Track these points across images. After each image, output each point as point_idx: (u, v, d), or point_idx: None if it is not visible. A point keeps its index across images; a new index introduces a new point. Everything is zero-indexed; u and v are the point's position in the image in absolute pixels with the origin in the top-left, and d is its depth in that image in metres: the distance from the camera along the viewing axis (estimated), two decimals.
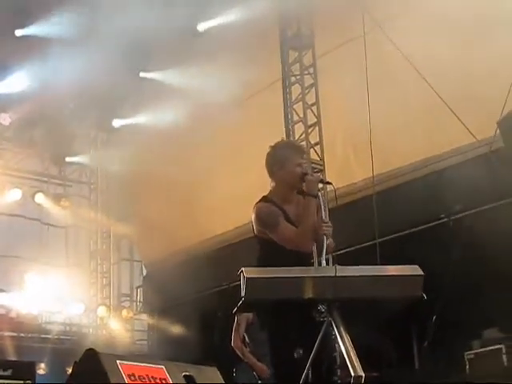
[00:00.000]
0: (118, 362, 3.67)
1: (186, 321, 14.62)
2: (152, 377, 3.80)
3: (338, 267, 4.63)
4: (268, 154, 5.46)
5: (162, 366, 3.89)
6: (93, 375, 3.61)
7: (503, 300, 8.83)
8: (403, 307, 5.01)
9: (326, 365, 5.24)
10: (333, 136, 12.05)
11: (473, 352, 9.24)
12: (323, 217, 5.11)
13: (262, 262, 5.31)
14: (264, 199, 5.37)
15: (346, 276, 4.66)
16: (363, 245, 11.23)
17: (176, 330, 15.02)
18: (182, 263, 14.45)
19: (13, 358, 13.00)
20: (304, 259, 5.22)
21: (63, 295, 16.41)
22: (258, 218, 5.28)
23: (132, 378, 3.69)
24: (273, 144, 5.49)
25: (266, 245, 5.28)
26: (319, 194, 5.19)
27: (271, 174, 5.42)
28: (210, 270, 13.25)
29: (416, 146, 11.08)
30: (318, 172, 10.84)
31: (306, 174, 5.23)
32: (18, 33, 13.37)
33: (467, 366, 9.17)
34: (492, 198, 9.87)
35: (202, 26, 12.83)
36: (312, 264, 5.32)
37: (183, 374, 3.96)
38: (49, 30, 13.05)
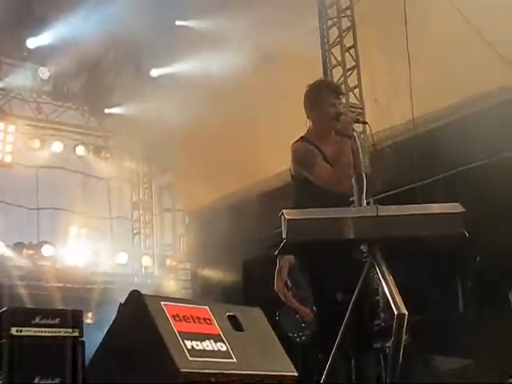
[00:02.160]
0: (162, 303, 3.73)
1: (229, 268, 14.73)
2: (196, 317, 3.85)
3: (379, 207, 4.61)
4: (305, 95, 5.44)
5: (206, 307, 3.94)
6: (138, 316, 3.67)
7: None
8: (446, 245, 5.01)
9: (369, 308, 5.24)
10: (372, 79, 11.93)
11: None
12: (360, 157, 5.07)
13: (299, 203, 5.30)
14: (301, 139, 5.35)
15: (387, 215, 4.65)
16: (403, 188, 11.16)
17: (219, 277, 15.14)
18: (224, 210, 14.50)
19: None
20: (341, 199, 5.20)
21: (107, 246, 16.63)
22: (295, 157, 5.28)
23: (176, 318, 3.74)
24: (310, 84, 5.46)
25: (303, 185, 5.28)
26: (355, 134, 5.13)
27: (307, 114, 5.40)
28: (252, 216, 13.28)
29: (457, 86, 10.91)
30: (358, 115, 10.76)
31: (340, 113, 5.18)
32: None
33: None
34: None
35: None
36: (350, 204, 5.32)
37: (227, 314, 4.00)
38: None
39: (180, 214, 18.04)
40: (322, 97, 5.32)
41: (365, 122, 5.23)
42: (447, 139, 10.33)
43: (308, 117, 5.41)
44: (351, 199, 5.56)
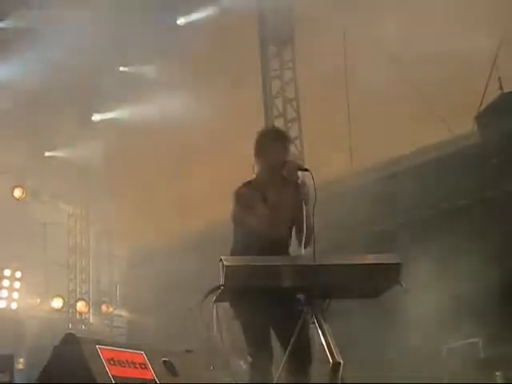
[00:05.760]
0: (97, 346, 3.68)
1: (164, 314, 14.57)
2: (131, 361, 3.81)
3: (317, 255, 4.66)
4: (255, 140, 5.51)
5: (142, 352, 3.91)
6: (72, 358, 3.61)
7: None
8: (381, 294, 5.07)
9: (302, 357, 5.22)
10: (312, 130, 12.08)
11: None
12: (304, 206, 5.12)
13: (237, 246, 5.33)
14: (246, 183, 5.40)
15: (324, 264, 4.69)
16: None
17: (156, 324, 14.96)
18: (164, 257, 14.40)
19: None
20: (278, 244, 5.21)
21: (42, 291, 16.36)
22: (235, 199, 5.31)
23: (111, 362, 3.70)
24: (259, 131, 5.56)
25: (241, 228, 5.30)
26: (299, 182, 5.19)
27: (255, 159, 5.45)
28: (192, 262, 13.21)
29: (394, 141, 11.11)
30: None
31: (285, 161, 5.23)
32: None
33: None
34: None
35: (181, 20, 12.84)
36: (286, 250, 5.35)
37: (162, 359, 3.98)
38: (28, 23, 13.02)
39: (117, 259, 17.86)
40: (270, 144, 5.39)
41: (306, 170, 5.24)
42: (385, 193, 10.50)
43: (256, 162, 5.46)
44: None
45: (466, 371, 8.56)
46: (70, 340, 3.70)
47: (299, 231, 5.15)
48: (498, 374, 8.23)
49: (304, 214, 5.04)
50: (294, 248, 5.60)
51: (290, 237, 5.40)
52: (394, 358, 9.19)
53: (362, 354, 8.91)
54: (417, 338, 9.37)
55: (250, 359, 5.28)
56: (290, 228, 5.33)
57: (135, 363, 3.84)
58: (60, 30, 12.28)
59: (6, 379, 8.61)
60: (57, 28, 12.35)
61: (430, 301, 8.74)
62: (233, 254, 5.27)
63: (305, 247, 5.05)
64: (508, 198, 9.48)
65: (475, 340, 8.91)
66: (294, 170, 5.16)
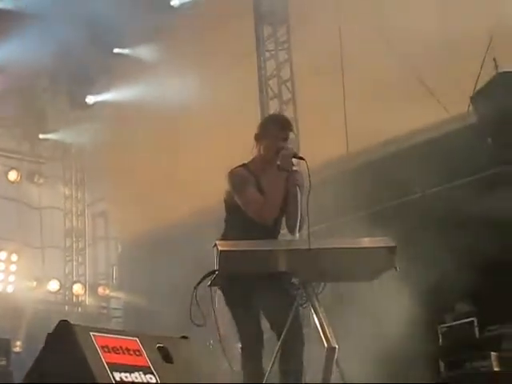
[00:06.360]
0: (91, 333, 3.69)
1: (162, 296, 14.59)
2: (126, 348, 3.81)
3: (312, 240, 4.66)
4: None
5: (136, 338, 3.91)
6: (66, 347, 3.61)
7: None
8: (376, 278, 5.07)
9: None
10: (308, 111, 12.05)
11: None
12: (298, 193, 5.12)
13: (228, 229, 5.35)
14: (242, 166, 5.41)
15: (319, 248, 4.69)
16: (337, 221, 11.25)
17: (151, 306, 14.98)
18: (159, 239, 14.41)
19: None
20: (267, 230, 5.20)
21: (38, 273, 16.38)
22: (229, 179, 5.32)
23: (105, 349, 3.70)
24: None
25: (233, 210, 5.30)
26: (294, 169, 5.19)
27: (255, 143, 5.47)
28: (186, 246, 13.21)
29: (390, 122, 11.09)
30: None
31: (280, 148, 5.21)
32: None
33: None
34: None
35: (175, 2, 12.79)
36: (275, 236, 5.36)
37: (157, 345, 3.98)
38: (21, 4, 12.96)
39: (114, 241, 17.87)
40: (268, 129, 5.39)
41: (302, 158, 5.20)
42: (379, 174, 10.48)
43: (255, 146, 5.48)
44: (282, 232, 5.60)
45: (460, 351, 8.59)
46: (63, 328, 3.69)
47: (291, 218, 5.15)
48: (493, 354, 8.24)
49: (298, 200, 5.04)
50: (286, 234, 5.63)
51: (281, 223, 5.42)
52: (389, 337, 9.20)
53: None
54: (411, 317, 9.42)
55: (240, 345, 5.30)
56: (281, 215, 5.33)
57: (129, 350, 3.84)
58: (54, 13, 12.22)
59: (3, 363, 8.65)
60: (50, 10, 12.30)
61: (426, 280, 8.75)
62: (224, 237, 5.28)
63: (298, 231, 5.05)
64: (503, 177, 9.47)
65: (471, 319, 8.93)
66: (289, 158, 5.15)
